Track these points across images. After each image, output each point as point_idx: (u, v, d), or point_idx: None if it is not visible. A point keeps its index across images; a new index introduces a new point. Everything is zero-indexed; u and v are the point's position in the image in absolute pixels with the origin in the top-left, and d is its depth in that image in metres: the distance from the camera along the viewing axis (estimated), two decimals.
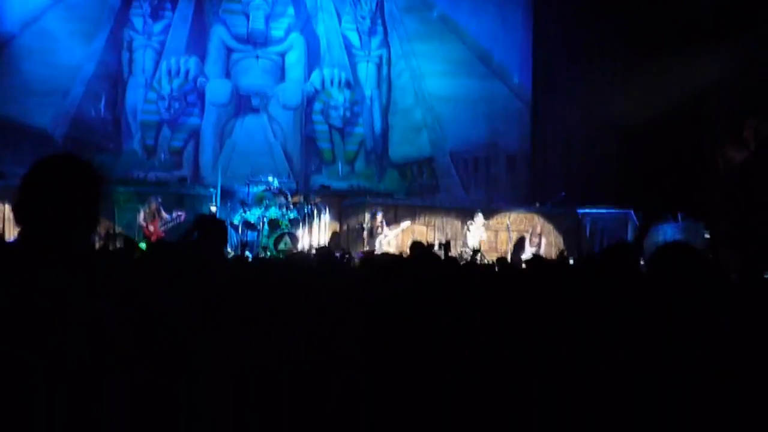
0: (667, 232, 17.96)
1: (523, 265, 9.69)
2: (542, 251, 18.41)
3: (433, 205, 20.52)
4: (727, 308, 3.83)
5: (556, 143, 23.51)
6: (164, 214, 18.00)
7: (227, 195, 20.20)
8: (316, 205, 19.45)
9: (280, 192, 19.28)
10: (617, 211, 19.89)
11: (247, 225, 18.78)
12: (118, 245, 12.49)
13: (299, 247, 18.33)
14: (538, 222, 19.90)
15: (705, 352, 3.17)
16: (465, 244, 18.59)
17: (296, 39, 23.79)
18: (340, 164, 23.67)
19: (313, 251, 13.67)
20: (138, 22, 23.14)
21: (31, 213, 2.69)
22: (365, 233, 18.49)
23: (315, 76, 23.80)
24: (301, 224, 19.00)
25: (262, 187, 19.54)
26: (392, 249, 17.52)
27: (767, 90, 18.46)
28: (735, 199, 18.92)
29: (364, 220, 18.95)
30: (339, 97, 23.76)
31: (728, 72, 18.83)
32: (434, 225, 19.85)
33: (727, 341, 3.29)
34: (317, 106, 23.72)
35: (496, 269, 8.46)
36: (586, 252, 18.31)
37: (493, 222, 19.73)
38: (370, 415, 3.49)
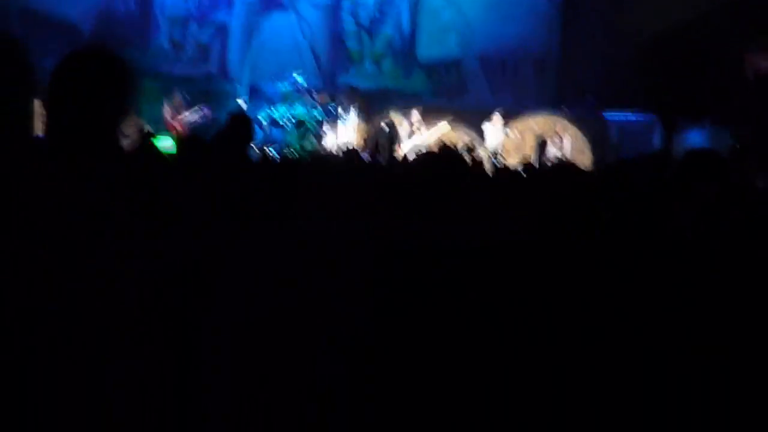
0: (693, 139, 17.88)
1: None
2: (568, 155, 18.38)
3: (460, 107, 20.44)
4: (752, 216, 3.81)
5: (585, 47, 23.26)
6: (185, 109, 18.01)
7: (254, 92, 20.17)
8: (342, 104, 19.40)
9: (306, 90, 19.23)
10: (644, 116, 19.77)
11: (273, 122, 18.76)
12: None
13: (325, 146, 18.33)
14: (560, 124, 19.77)
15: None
16: (484, 146, 18.54)
17: None
18: (367, 64, 23.53)
19: (341, 152, 13.65)
20: None
21: (61, 108, 2.68)
22: (400, 133, 18.36)
23: None
24: (327, 123, 18.96)
25: (288, 85, 19.48)
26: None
27: None
28: (762, 107, 18.76)
29: (398, 120, 18.87)
30: None
31: None
32: (461, 127, 19.78)
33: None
34: (346, 5, 23.50)
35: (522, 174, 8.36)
36: (613, 159, 18.23)
37: (518, 124, 19.65)
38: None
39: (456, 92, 23.23)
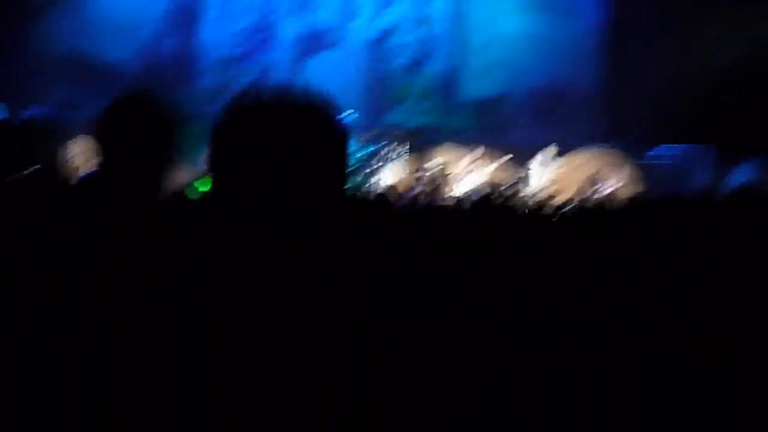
0: (743, 173, 17.76)
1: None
2: (622, 190, 18.31)
3: (506, 144, 20.45)
4: None
5: (632, 83, 23.22)
6: None
7: None
8: (386, 142, 19.44)
9: (352, 129, 19.32)
10: (693, 150, 19.67)
11: None
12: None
13: (372, 185, 18.36)
14: (614, 160, 19.69)
15: None
16: (527, 185, 18.52)
17: None
18: (411, 101, 23.58)
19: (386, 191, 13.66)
20: None
21: (107, 151, 2.68)
22: (453, 172, 18.33)
23: (388, 12, 23.64)
24: (373, 162, 19.01)
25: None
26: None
27: None
28: None
29: (453, 157, 18.89)
30: (412, 34, 23.62)
31: None
32: (506, 164, 19.77)
33: None
34: (391, 43, 23.60)
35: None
36: (661, 193, 18.14)
37: (565, 161, 19.61)
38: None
39: (502, 129, 23.20)
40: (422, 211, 7.89)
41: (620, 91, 23.32)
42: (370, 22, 23.58)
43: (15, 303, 2.53)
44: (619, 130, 21.77)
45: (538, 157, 18.82)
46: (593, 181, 18.72)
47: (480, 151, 19.38)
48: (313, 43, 23.34)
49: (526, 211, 7.87)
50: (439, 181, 18.41)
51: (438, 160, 19.07)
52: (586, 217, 6.48)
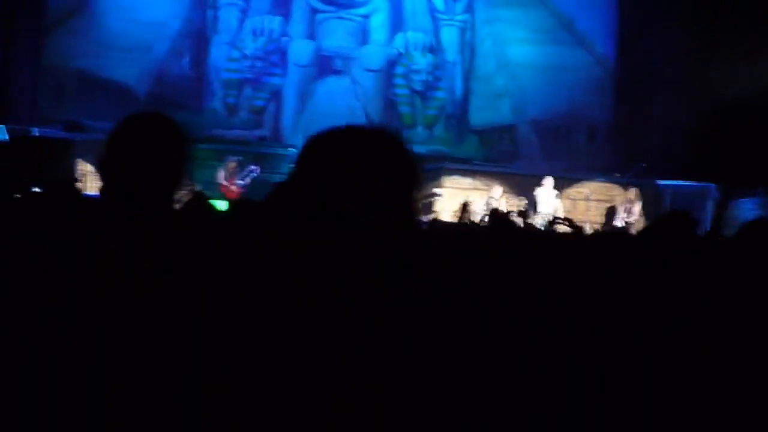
0: (747, 208, 17.75)
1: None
2: (636, 221, 18.35)
3: (512, 172, 20.46)
4: None
5: (638, 114, 23.25)
6: (240, 174, 18.28)
7: None
8: None
9: None
10: (697, 184, 19.66)
11: None
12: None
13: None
14: (632, 191, 19.65)
15: None
16: (536, 212, 18.50)
17: (380, 1, 23.71)
18: (419, 128, 23.62)
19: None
20: None
21: (116, 171, 2.72)
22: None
23: (398, 39, 23.72)
24: None
25: None
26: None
27: None
28: None
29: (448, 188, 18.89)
30: (421, 62, 23.68)
31: None
32: (513, 192, 19.77)
33: None
34: (399, 69, 23.66)
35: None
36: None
37: (571, 191, 19.61)
38: None
39: (508, 157, 23.22)
40: (427, 236, 7.91)
41: (626, 124, 23.36)
42: (381, 48, 23.65)
43: (26, 315, 2.57)
44: (624, 163, 21.79)
45: (544, 186, 18.81)
46: (610, 210, 18.84)
47: (487, 179, 19.40)
48: (324, 67, 23.41)
49: (536, 238, 7.89)
50: (437, 208, 18.46)
51: (438, 189, 19.12)
52: (603, 245, 6.48)
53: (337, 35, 23.59)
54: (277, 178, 16.37)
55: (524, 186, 19.71)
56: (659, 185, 20.00)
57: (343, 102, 23.21)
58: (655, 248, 4.28)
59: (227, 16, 23.16)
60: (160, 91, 22.12)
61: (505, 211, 14.03)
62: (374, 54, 23.59)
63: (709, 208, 19.22)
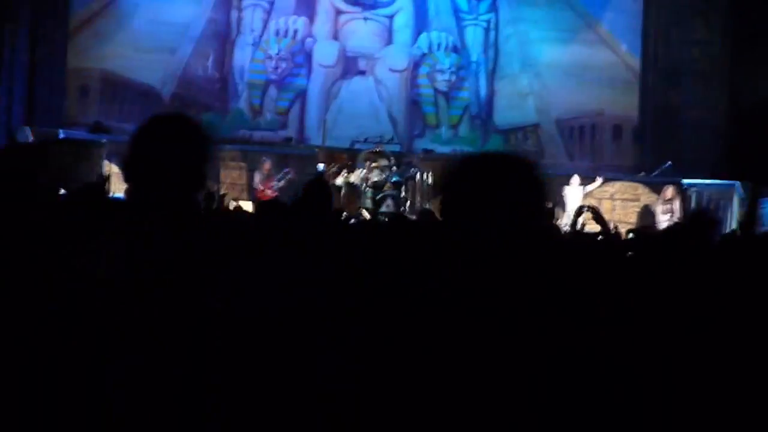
0: None
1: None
2: (677, 219, 18.23)
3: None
4: None
5: (664, 113, 23.18)
6: (275, 176, 18.30)
7: (331, 156, 20.29)
8: (418, 168, 19.42)
9: (383, 154, 19.31)
10: (723, 182, 19.57)
11: (350, 187, 18.83)
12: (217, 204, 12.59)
13: (402, 210, 18.34)
14: (669, 190, 19.51)
15: None
16: (564, 211, 18.41)
17: (405, 2, 23.68)
18: (444, 128, 23.59)
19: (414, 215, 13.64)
20: None
21: (140, 171, 2.72)
22: None
23: (422, 39, 23.70)
24: (403, 187, 19.00)
25: (366, 149, 19.60)
26: None
27: None
28: None
29: None
30: (445, 61, 23.65)
31: None
32: None
33: None
34: (423, 69, 23.64)
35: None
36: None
37: (596, 190, 19.52)
38: None
39: (533, 157, 23.08)
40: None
41: (652, 123, 23.28)
42: (405, 48, 23.64)
43: (27, 314, 2.59)
44: (650, 161, 21.72)
45: (572, 184, 18.74)
46: (645, 209, 18.80)
47: None
48: (348, 67, 23.41)
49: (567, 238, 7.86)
50: None
51: None
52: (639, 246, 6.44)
53: (361, 36, 23.59)
54: (305, 178, 16.40)
55: (550, 185, 19.62)
56: (684, 184, 19.88)
57: (367, 102, 23.22)
58: (683, 250, 4.26)
59: (251, 17, 23.18)
60: (184, 93, 22.19)
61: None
62: (398, 54, 23.58)
63: (735, 206, 19.12)
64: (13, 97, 20.03)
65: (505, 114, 23.85)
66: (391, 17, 23.70)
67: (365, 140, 20.04)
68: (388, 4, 23.67)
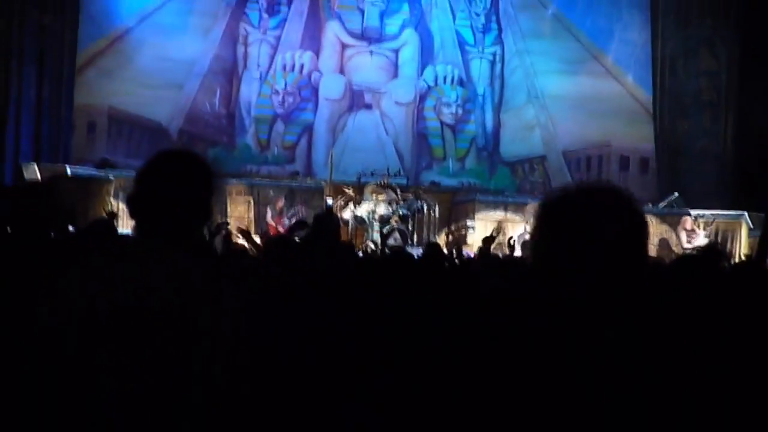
0: None
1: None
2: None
3: None
4: None
5: (671, 144, 23.19)
6: (287, 212, 18.31)
7: (338, 189, 20.32)
8: (425, 201, 19.43)
9: (390, 187, 19.33)
10: (731, 213, 19.53)
11: (357, 220, 18.83)
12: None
13: (409, 243, 18.32)
14: (687, 221, 19.44)
15: None
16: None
17: (410, 35, 23.78)
18: (450, 161, 23.61)
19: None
20: (254, 16, 23.35)
21: (147, 207, 2.73)
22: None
23: (428, 72, 23.77)
24: (410, 220, 19.00)
25: (373, 183, 19.62)
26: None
27: None
28: None
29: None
30: (451, 94, 23.70)
31: None
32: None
33: None
34: (429, 102, 23.69)
35: None
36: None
37: None
38: None
39: (540, 188, 23.14)
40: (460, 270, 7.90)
41: (659, 154, 23.29)
42: (411, 82, 23.70)
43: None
44: (658, 192, 21.71)
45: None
46: (665, 241, 18.78)
47: (520, 210, 19.32)
48: (354, 101, 23.46)
49: None
50: (470, 240, 18.36)
51: (471, 221, 19.05)
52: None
53: (367, 69, 23.66)
54: (312, 212, 16.40)
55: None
56: (692, 214, 19.84)
57: (373, 135, 23.26)
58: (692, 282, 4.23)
59: (257, 52, 23.27)
60: (191, 128, 22.24)
61: None
62: (404, 87, 23.63)
63: (743, 237, 19.08)
64: (20, 133, 20.08)
65: (511, 146, 23.88)
66: (396, 51, 23.77)
67: (372, 173, 20.05)
68: (394, 38, 23.75)
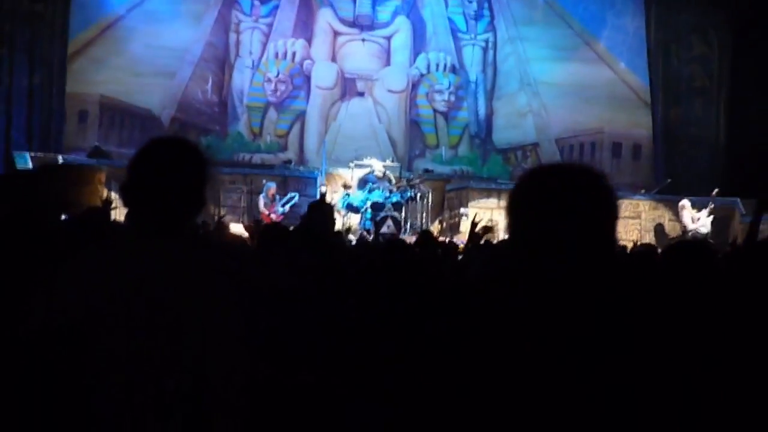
0: None
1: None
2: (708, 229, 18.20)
3: None
4: None
5: (663, 130, 23.20)
6: (279, 200, 18.24)
7: (331, 178, 20.29)
8: (419, 188, 19.39)
9: (383, 175, 19.30)
10: (724, 199, 19.52)
11: (351, 208, 18.80)
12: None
13: (402, 230, 18.31)
14: (685, 203, 19.36)
15: None
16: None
17: (402, 23, 23.75)
18: (443, 148, 23.58)
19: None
20: (246, 4, 23.32)
21: (139, 195, 2.71)
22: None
23: (420, 60, 23.75)
24: (403, 208, 18.97)
25: (366, 170, 19.58)
26: None
27: None
28: None
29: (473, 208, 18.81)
30: (444, 82, 23.68)
31: None
32: None
33: None
34: (422, 90, 23.67)
35: None
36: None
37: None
38: None
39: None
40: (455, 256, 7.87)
41: (651, 140, 23.30)
42: (403, 69, 23.66)
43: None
44: (650, 179, 21.73)
45: None
46: (661, 227, 18.77)
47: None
48: (347, 89, 23.42)
49: None
50: (463, 228, 18.33)
51: (464, 209, 19.00)
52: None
53: (359, 57, 23.64)
54: (306, 200, 16.31)
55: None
56: (684, 201, 19.82)
57: (365, 123, 23.23)
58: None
59: (250, 40, 23.24)
60: (183, 116, 22.20)
61: None
62: (396, 75, 23.61)
63: (736, 222, 19.09)
64: (11, 122, 20.02)
65: (504, 133, 23.87)
66: (389, 38, 23.74)
67: (365, 161, 20.00)
68: (386, 26, 23.72)
